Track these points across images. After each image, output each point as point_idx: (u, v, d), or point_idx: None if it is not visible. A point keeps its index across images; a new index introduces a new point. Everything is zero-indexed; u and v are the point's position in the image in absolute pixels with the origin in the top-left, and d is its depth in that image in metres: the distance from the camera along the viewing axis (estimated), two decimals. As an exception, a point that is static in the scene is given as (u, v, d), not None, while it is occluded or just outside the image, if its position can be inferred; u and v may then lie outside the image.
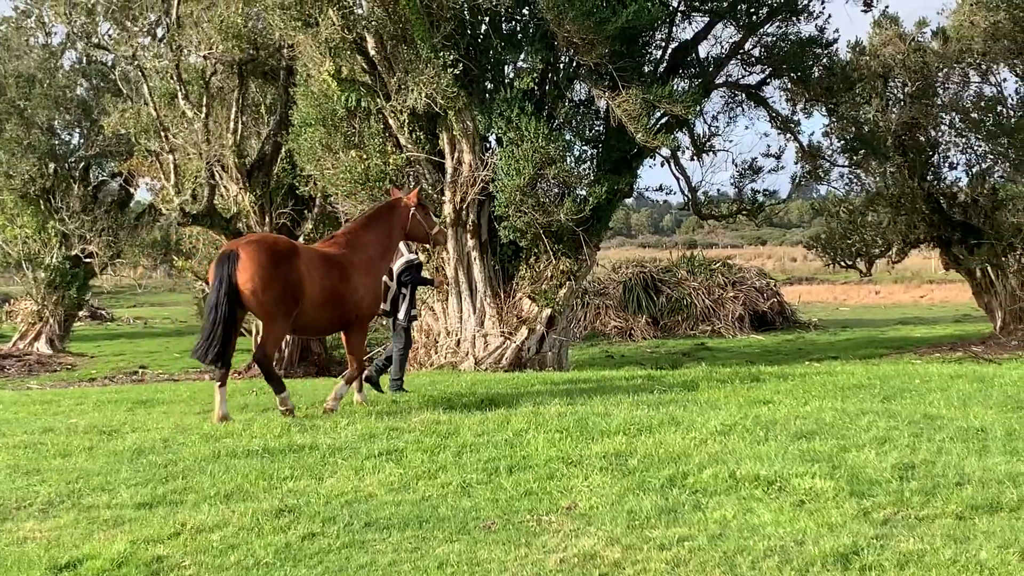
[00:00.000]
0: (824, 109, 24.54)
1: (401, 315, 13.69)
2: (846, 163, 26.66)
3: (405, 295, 13.68)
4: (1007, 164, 27.34)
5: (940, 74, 27.55)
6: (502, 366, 19.33)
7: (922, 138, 27.98)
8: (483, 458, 9.07)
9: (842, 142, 25.57)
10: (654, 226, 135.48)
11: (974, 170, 28.31)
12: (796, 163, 24.89)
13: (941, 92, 27.97)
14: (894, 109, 27.44)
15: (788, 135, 24.11)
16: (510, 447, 9.46)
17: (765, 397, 12.01)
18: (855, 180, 28.77)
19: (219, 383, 11.59)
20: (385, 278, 13.29)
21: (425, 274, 15.14)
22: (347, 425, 10.80)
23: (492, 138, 20.41)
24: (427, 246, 16.66)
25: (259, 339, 11.80)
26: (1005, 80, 27.48)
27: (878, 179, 28.37)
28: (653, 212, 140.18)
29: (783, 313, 37.13)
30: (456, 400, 12.45)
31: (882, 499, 7.56)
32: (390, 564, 6.66)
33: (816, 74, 22.67)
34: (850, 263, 29.58)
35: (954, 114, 27.78)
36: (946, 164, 28.61)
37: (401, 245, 13.45)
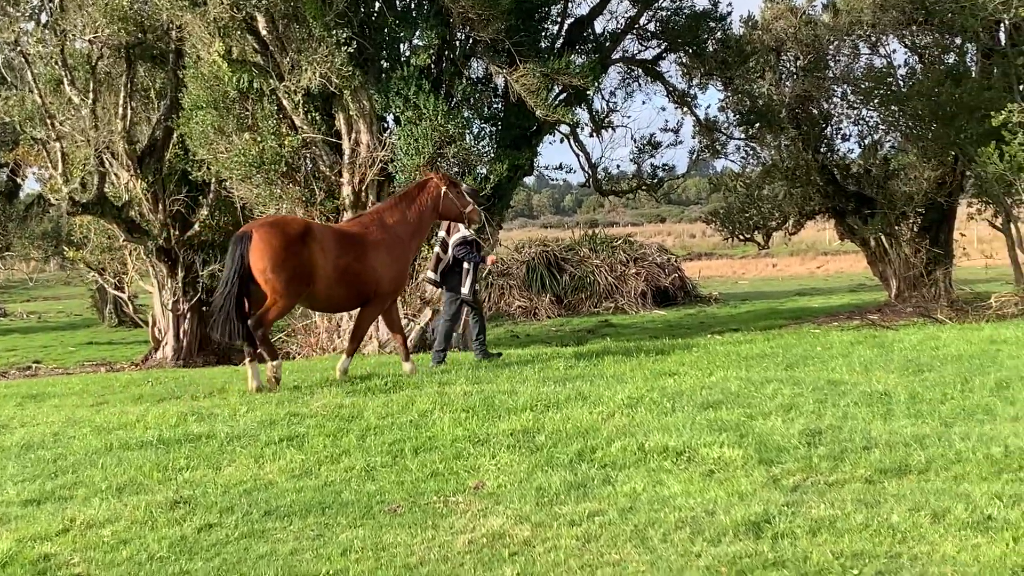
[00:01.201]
0: (720, 83, 24.62)
1: (465, 289, 13.73)
2: (742, 136, 26.81)
3: (468, 270, 13.69)
4: (898, 134, 27.72)
5: (831, 47, 27.80)
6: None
7: (815, 111, 28.23)
8: (387, 440, 8.82)
9: (737, 116, 25.68)
10: (555, 207, 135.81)
11: (866, 141, 28.68)
12: (693, 137, 24.97)
13: (833, 65, 28.25)
14: (787, 82, 27.64)
15: (685, 109, 24.17)
16: (415, 428, 9.22)
17: (670, 369, 11.92)
18: (751, 153, 28.96)
19: (249, 358, 12.03)
20: (438, 250, 13.77)
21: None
22: (246, 412, 10.46)
23: (390, 118, 20.06)
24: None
25: (262, 309, 11.88)
26: (895, 51, 27.90)
27: (773, 152, 28.58)
28: (554, 193, 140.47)
29: (684, 288, 37.32)
30: (360, 383, 12.12)
31: (791, 466, 7.48)
32: (291, 553, 6.38)
33: (711, 48, 22.72)
34: (748, 236, 29.78)
35: (846, 86, 28.07)
36: (839, 136, 28.94)
37: (467, 197, 13.38)
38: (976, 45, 26.00)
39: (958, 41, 26.62)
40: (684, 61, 23.56)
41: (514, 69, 18.68)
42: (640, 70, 23.14)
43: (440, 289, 14.15)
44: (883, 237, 27.91)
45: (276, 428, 9.52)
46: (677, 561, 5.93)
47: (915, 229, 27.60)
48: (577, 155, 22.97)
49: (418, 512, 6.99)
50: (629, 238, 39.87)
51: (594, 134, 22.59)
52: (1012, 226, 23.43)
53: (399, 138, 19.00)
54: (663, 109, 35.04)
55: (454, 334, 14.53)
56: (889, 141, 28.94)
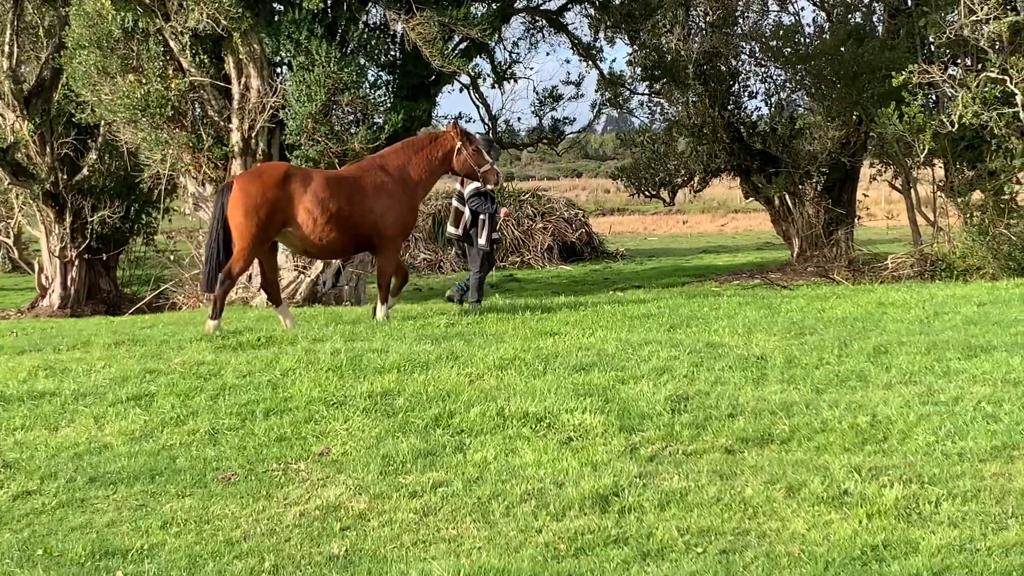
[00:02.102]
0: (627, 37, 24.21)
1: (482, 240, 13.47)
2: (647, 92, 26.50)
3: (484, 221, 13.40)
4: (804, 93, 27.62)
5: (740, 3, 27.58)
6: (295, 301, 18.46)
7: (723, 67, 28.02)
8: (240, 401, 8.36)
9: (643, 70, 25.31)
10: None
11: (773, 99, 28.57)
12: (597, 91, 24.54)
13: (742, 21, 28.05)
14: (695, 38, 27.37)
15: (590, 63, 23.72)
16: (272, 388, 8.75)
17: (552, 328, 11.58)
18: (658, 109, 28.71)
19: (275, 306, 12.46)
20: (456, 204, 13.50)
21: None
22: (102, 368, 9.90)
23: (283, 63, 19.37)
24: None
25: (230, 262, 11.92)
26: (803, 8, 27.79)
27: (680, 108, 28.36)
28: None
29: (591, 243, 37.13)
30: (231, 338, 11.58)
31: (652, 434, 7.18)
32: (108, 525, 5.93)
33: (617, 1, 22.26)
34: (654, 193, 29.61)
35: (754, 43, 27.90)
36: (746, 93, 28.81)
37: (486, 155, 13.09)
38: (883, 4, 25.96)
39: (866, 0, 26.60)
40: (590, 13, 23.10)
41: (411, 17, 18.06)
42: (544, 21, 22.60)
43: (461, 243, 13.93)
44: (787, 196, 27.89)
45: (127, 386, 9.00)
46: (516, 537, 5.59)
47: (818, 189, 27.58)
48: (477, 106, 22.46)
49: (254, 481, 6.58)
50: (537, 192, 39.54)
51: (496, 85, 22.06)
52: (911, 187, 23.46)
53: (291, 84, 18.32)
54: (567, 62, 34.81)
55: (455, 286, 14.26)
56: (795, 100, 28.89)
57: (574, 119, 23.00)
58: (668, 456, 6.76)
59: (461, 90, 21.89)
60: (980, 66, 20.86)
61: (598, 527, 5.62)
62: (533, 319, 12.46)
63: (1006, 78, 19.45)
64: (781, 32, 27.04)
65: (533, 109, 22.88)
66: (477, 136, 13.62)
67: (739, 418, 7.42)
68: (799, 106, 28.89)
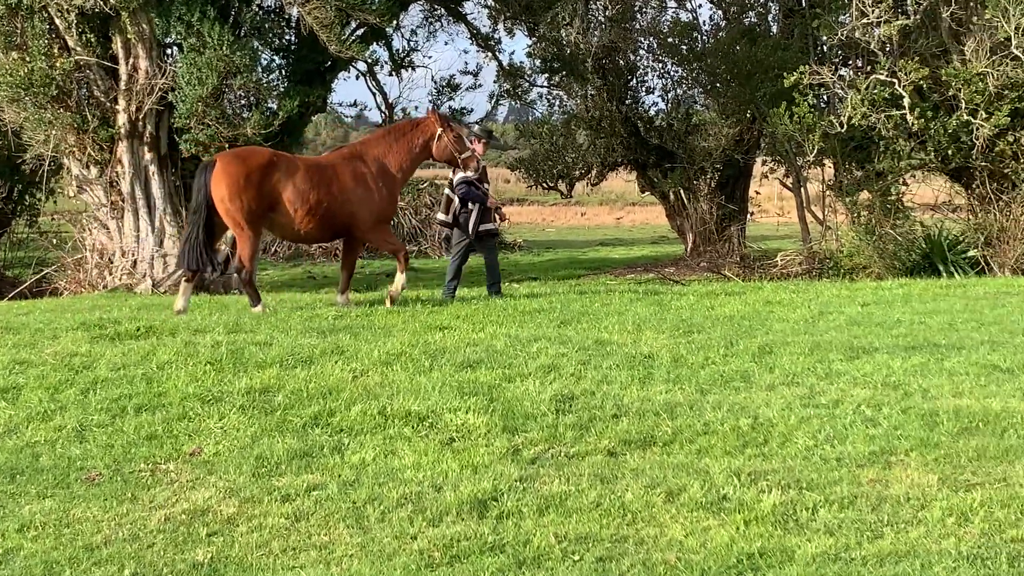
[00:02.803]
0: (526, 29, 24.12)
1: (469, 229, 13.65)
2: (547, 84, 26.44)
3: (471, 210, 13.58)
4: (699, 90, 27.80)
5: (639, -1, 27.65)
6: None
7: (621, 62, 28.08)
8: (112, 396, 8.03)
9: (543, 62, 25.24)
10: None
11: (670, 95, 28.72)
12: (496, 82, 24.43)
13: (640, 17, 28.13)
14: (595, 32, 27.31)
15: (489, 53, 23.56)
16: (147, 383, 8.43)
17: (442, 322, 11.40)
18: (557, 102, 28.67)
19: (186, 279, 12.38)
20: (448, 192, 13.68)
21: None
22: (-31, 359, 9.46)
23: (173, 44, 18.86)
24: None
25: (237, 253, 12.29)
26: (700, 6, 28.01)
27: (579, 101, 28.36)
28: (372, 130, 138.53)
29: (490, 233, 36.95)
30: (109, 327, 11.17)
31: (535, 435, 7.05)
32: (-40, 529, 5.61)
33: (514, -8, 22.16)
34: (552, 185, 29.59)
35: (652, 39, 27.98)
36: (643, 88, 28.89)
37: (467, 142, 13.25)
38: (778, 4, 26.22)
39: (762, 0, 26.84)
40: (489, 3, 22.96)
41: (307, 0, 17.71)
42: (443, 9, 22.40)
43: (450, 230, 14.09)
44: (682, 191, 28.06)
45: (-6, 378, 8.61)
46: (390, 544, 5.41)
47: (712, 185, 27.80)
48: (374, 93, 22.19)
49: (119, 482, 6.30)
50: (436, 181, 39.25)
51: (393, 73, 21.81)
52: (801, 186, 23.75)
53: (181, 66, 17.84)
54: (466, 52, 34.87)
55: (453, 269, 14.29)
56: (692, 96, 29.07)
57: (472, 109, 22.89)
58: (550, 459, 6.65)
59: (358, 77, 21.64)
60: (870, 68, 21.18)
61: (475, 534, 5.48)
62: (424, 312, 12.27)
63: (895, 80, 19.78)
64: (678, 29, 27.17)
65: (431, 98, 22.73)
66: (475, 127, 14.03)
67: (623, 419, 7.33)
68: (695, 103, 29.09)
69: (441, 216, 14.07)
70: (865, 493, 5.92)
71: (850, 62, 23.62)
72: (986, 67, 19.42)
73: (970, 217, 21.35)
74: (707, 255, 26.86)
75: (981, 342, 9.81)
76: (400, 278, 13.02)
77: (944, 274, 18.78)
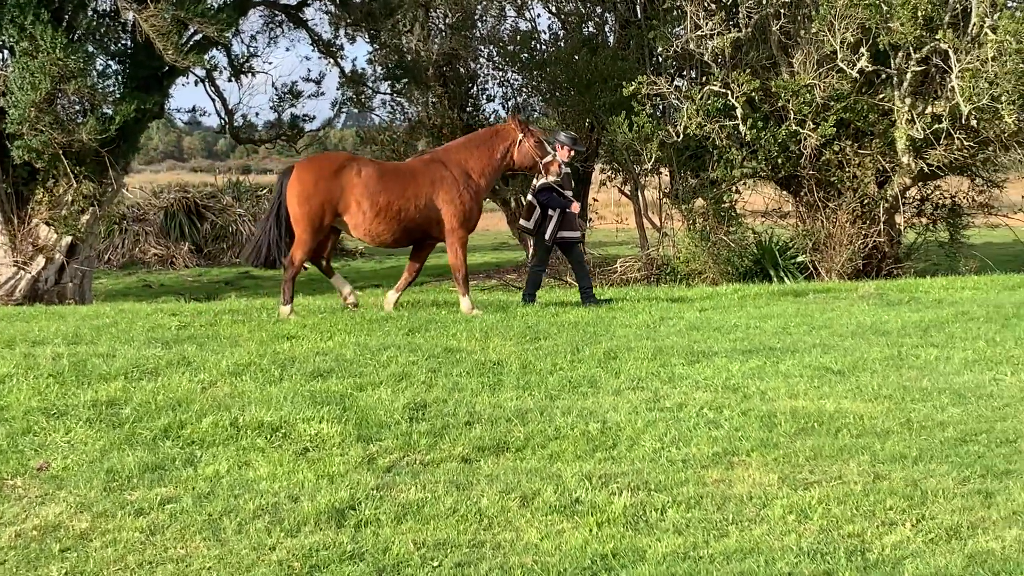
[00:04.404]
0: (367, 36, 24.11)
1: (547, 235, 13.61)
2: (388, 91, 26.48)
3: (551, 216, 13.51)
4: (540, 98, 28.20)
5: (479, 6, 27.89)
6: (15, 299, 17.49)
7: (462, 69, 28.28)
8: (-51, 413, 7.76)
9: (385, 70, 25.28)
10: (208, 150, 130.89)
11: (510, 103, 29.04)
12: (338, 89, 24.34)
13: (480, 25, 28.36)
14: (435, 39, 27.48)
15: (331, 60, 23.46)
16: (-14, 398, 8.19)
17: (290, 332, 11.32)
18: (399, 108, 28.72)
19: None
20: (531, 198, 13.74)
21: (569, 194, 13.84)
22: None
23: (4, 48, 18.27)
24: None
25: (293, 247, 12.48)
26: (540, 15, 28.35)
27: (420, 109, 28.45)
28: (207, 136, 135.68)
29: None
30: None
31: (390, 443, 7.12)
32: None
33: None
34: (393, 192, 29.53)
35: (492, 47, 28.26)
36: (484, 96, 29.18)
37: (548, 147, 13.14)
38: (615, 15, 26.78)
39: (599, 10, 27.36)
40: (330, 10, 22.87)
41: (143, 7, 17.37)
42: (283, 15, 22.22)
43: (535, 236, 14.01)
44: (522, 198, 28.36)
45: None
46: (248, 556, 5.42)
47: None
48: (213, 99, 21.87)
49: (-36, 501, 6.12)
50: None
51: (233, 79, 21.53)
52: (639, 193, 24.32)
53: (13, 70, 17.31)
54: (307, 58, 34.50)
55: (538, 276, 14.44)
56: (532, 104, 29.45)
57: (314, 116, 22.78)
58: (406, 466, 6.73)
59: (197, 83, 21.26)
60: (704, 79, 21.88)
61: (334, 543, 5.52)
62: (270, 321, 12.18)
63: (728, 92, 20.49)
64: (518, 38, 27.52)
65: (272, 104, 22.51)
66: (561, 132, 14.10)
67: (476, 426, 7.46)
68: (535, 111, 29.48)
69: (523, 222, 14.09)
70: (710, 493, 6.18)
71: (685, 73, 24.35)
72: (813, 79, 20.28)
73: (799, 224, 22.25)
74: (552, 261, 27.21)
75: (813, 345, 10.27)
76: (465, 302, 13.09)
77: (775, 279, 19.52)
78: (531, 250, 14.70)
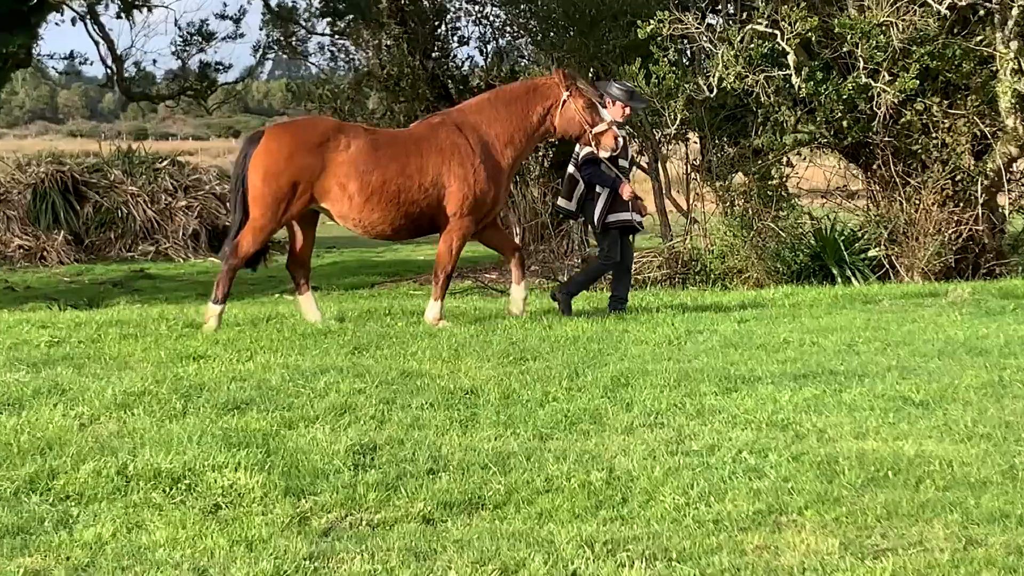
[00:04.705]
0: (300, -43, 24.17)
1: (595, 218, 13.59)
2: (328, 32, 26.53)
3: (599, 194, 13.48)
4: (528, 39, 28.29)
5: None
6: None
7: (426, 2, 28.35)
8: None
9: (323, 3, 25.34)
10: (91, 109, 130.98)
11: (490, 47, 29.14)
12: (262, 29, 24.39)
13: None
14: (391, -38, 27.58)
15: (251, -10, 23.55)
16: None
17: (197, 350, 11.38)
18: (342, 55, 28.78)
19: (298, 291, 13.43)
20: (571, 169, 13.76)
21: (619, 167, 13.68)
22: None
23: None
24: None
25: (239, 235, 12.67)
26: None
27: (371, 54, 28.51)
28: (89, 90, 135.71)
29: (249, 228, 36.83)
30: None
31: (328, 498, 7.14)
32: None
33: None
34: (335, 163, 29.62)
35: (466, -29, 28.38)
36: (455, 38, 29.29)
37: (602, 111, 12.97)
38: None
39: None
40: (252, -77, 22.96)
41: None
42: (190, -69, 22.31)
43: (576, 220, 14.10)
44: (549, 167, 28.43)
45: None
46: (138, 649, 5.43)
47: (545, 165, 28.28)
48: (97, 43, 21.87)
49: None
50: (180, 158, 38.80)
51: (122, 15, 21.54)
52: (660, 166, 24.40)
53: None
54: (218, -9, 34.40)
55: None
56: (519, 48, 29.56)
57: (230, 65, 22.86)
58: (349, 529, 6.75)
59: (75, 20, 21.26)
60: (746, 16, 21.95)
61: (253, 632, 5.55)
62: (171, 336, 12.25)
63: (776, 32, 20.54)
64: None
65: (175, 49, 22.51)
66: (613, 84, 13.77)
67: (442, 475, 7.48)
68: (523, 57, 29.58)
69: (562, 202, 14.06)
70: (751, 564, 6.20)
71: (721, 7, 24.44)
72: (889, 16, 20.33)
73: (870, 207, 22.35)
74: (540, 256, 27.31)
75: (888, 368, 10.33)
76: (433, 306, 13.19)
77: (840, 280, 19.61)
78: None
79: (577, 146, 13.72)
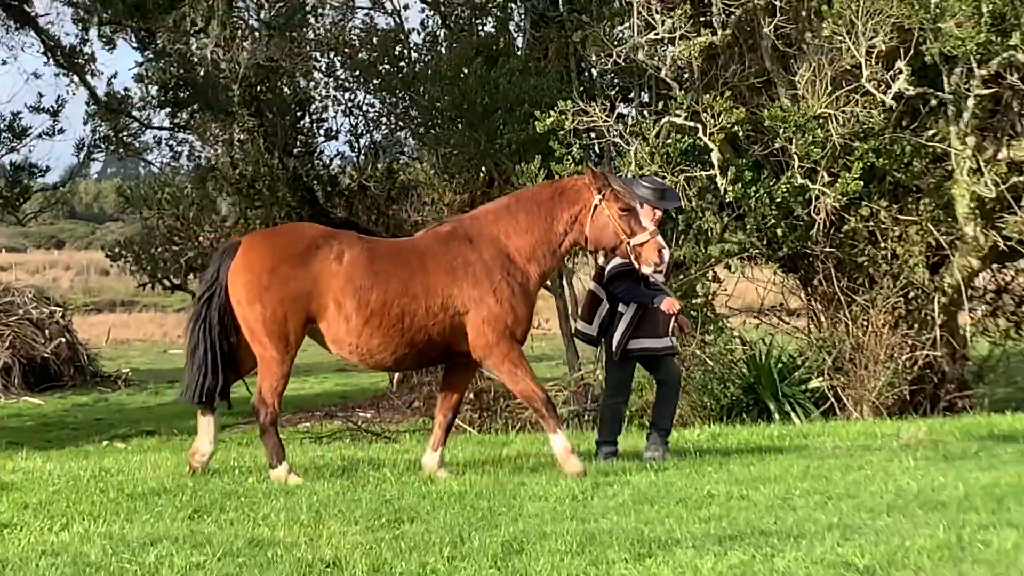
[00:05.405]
0: (134, 38, 24.21)
1: (613, 343, 13.43)
2: (169, 124, 26.53)
3: (622, 313, 13.34)
4: (409, 133, 28.44)
5: (313, -6, 28.21)
6: None
7: (287, 89, 28.48)
8: None
9: (163, 91, 25.34)
10: None
11: (363, 141, 29.26)
12: (87, 122, 24.33)
13: (314, 22, 28.64)
14: (244, 43, 27.64)
15: (75, 77, 23.49)
16: None
17: (1, 517, 11.19)
18: (185, 151, 28.79)
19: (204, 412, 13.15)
20: (593, 285, 13.72)
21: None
22: None
23: None
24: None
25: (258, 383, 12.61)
26: (408, 7, 28.53)
27: (221, 151, 28.53)
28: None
29: (76, 362, 36.56)
30: None
31: None
32: None
33: (118, -18, 22.25)
34: (177, 282, 29.54)
35: (334, 55, 28.52)
36: (322, 131, 29.38)
37: (643, 218, 12.68)
38: (525, 7, 27.15)
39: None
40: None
41: None
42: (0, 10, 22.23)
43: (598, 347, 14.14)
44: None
45: None
46: None
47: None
48: None
49: None
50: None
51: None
52: (564, 284, 24.51)
53: None
54: (37, 75, 34.03)
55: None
56: (397, 143, 29.70)
57: (46, 168, 22.67)
58: None
59: None
60: (662, 106, 22.21)
61: None
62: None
63: (697, 126, 20.79)
64: (375, 40, 27.78)
65: (-20, 144, 22.35)
66: (640, 181, 13.64)
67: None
68: (402, 153, 29.72)
69: (582, 326, 13.93)
70: None
71: (633, 96, 24.76)
72: (827, 107, 20.66)
73: (812, 328, 22.55)
74: (424, 388, 27.25)
75: (828, 526, 10.35)
76: (558, 441, 12.75)
77: (777, 416, 19.70)
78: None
79: (601, 257, 13.75)
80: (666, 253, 12.86)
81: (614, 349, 13.57)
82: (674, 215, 21.11)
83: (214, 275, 12.51)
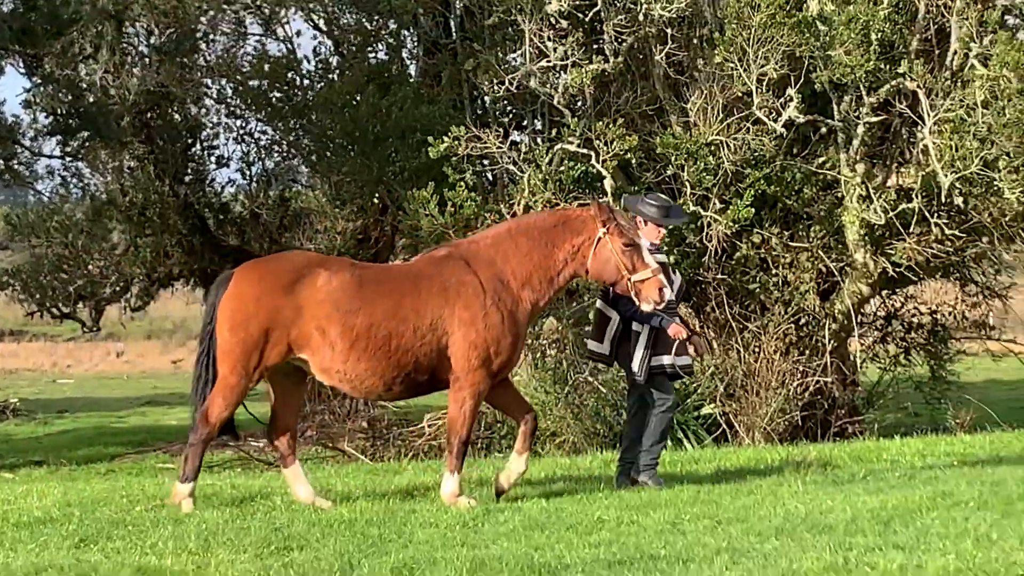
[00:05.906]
0: (22, 63, 24.01)
1: (635, 365, 13.29)
2: (59, 152, 26.32)
3: (638, 332, 13.17)
4: (301, 160, 28.37)
5: (204, 18, 28.04)
6: None
7: (177, 116, 28.32)
8: None
9: (52, 118, 25.16)
10: None
11: (254, 168, 29.14)
12: (-30, 150, 24.09)
13: (205, 48, 28.50)
14: (135, 70, 27.47)
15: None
16: None
17: None
18: (75, 179, 28.53)
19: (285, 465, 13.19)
20: (601, 304, 13.55)
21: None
22: None
23: None
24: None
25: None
26: (300, 34, 28.42)
27: (111, 179, 28.31)
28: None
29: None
30: None
31: None
32: None
33: (5, 7, 22.09)
34: (67, 311, 29.26)
35: (225, 82, 28.40)
36: (213, 158, 29.23)
37: (646, 254, 12.53)
38: (417, 34, 27.18)
39: (393, 25, 27.76)
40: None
41: None
42: None
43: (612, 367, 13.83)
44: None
45: None
46: None
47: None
48: None
49: None
50: None
51: None
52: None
53: None
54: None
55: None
56: (289, 171, 29.61)
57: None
58: None
59: None
60: (555, 133, 22.29)
61: None
62: None
63: (591, 152, 20.88)
64: (266, 67, 27.70)
65: None
66: (645, 200, 13.61)
67: None
68: (295, 181, 29.64)
69: (593, 345, 13.78)
70: None
71: (526, 124, 24.83)
72: (718, 134, 20.82)
73: (703, 355, 22.66)
74: (317, 417, 27.14)
75: (717, 550, 10.42)
76: (450, 483, 12.81)
77: (669, 442, 19.77)
78: None
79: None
80: (667, 292, 12.76)
81: (636, 372, 13.47)
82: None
83: (211, 309, 12.52)
